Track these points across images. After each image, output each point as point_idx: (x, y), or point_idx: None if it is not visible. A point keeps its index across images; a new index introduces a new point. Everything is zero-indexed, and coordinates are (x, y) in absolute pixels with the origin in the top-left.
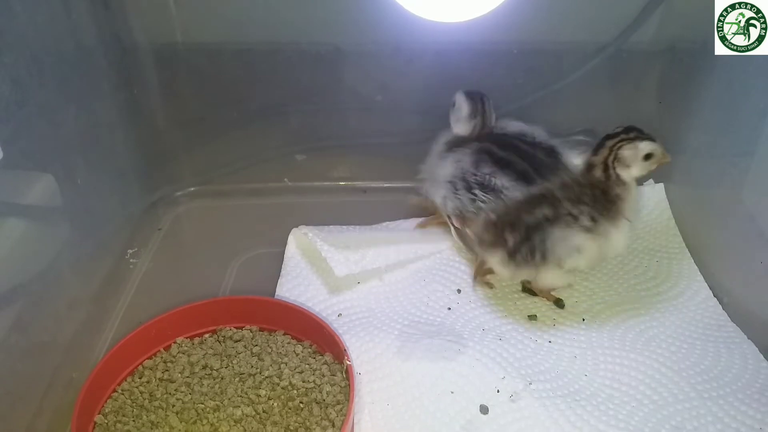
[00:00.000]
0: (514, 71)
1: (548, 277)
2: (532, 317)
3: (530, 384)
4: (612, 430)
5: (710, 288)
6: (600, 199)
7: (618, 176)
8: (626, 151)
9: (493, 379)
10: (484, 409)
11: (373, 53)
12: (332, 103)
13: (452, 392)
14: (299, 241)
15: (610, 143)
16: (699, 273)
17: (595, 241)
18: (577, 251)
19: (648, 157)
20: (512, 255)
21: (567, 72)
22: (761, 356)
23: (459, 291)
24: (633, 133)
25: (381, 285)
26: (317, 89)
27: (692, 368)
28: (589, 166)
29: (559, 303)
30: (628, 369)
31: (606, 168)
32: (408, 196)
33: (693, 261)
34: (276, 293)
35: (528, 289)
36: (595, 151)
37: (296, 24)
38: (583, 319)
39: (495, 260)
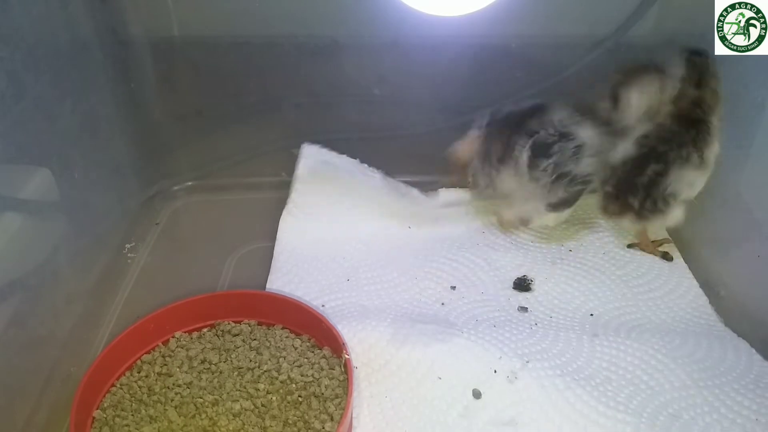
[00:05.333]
0: (512, 65)
1: (675, 216)
2: (523, 309)
3: (527, 362)
4: (612, 412)
5: (707, 281)
6: (696, 132)
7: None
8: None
9: (490, 359)
10: (480, 394)
11: (371, 47)
12: (330, 96)
13: (448, 377)
14: (290, 229)
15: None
16: (689, 271)
17: (704, 173)
18: (691, 185)
19: None
20: (640, 213)
21: (565, 66)
22: (753, 350)
23: (453, 288)
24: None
25: (372, 281)
26: (315, 83)
27: (687, 357)
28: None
29: (667, 257)
30: (624, 354)
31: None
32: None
33: (683, 259)
34: (266, 288)
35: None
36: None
37: (294, 17)
38: (577, 314)
39: (626, 223)
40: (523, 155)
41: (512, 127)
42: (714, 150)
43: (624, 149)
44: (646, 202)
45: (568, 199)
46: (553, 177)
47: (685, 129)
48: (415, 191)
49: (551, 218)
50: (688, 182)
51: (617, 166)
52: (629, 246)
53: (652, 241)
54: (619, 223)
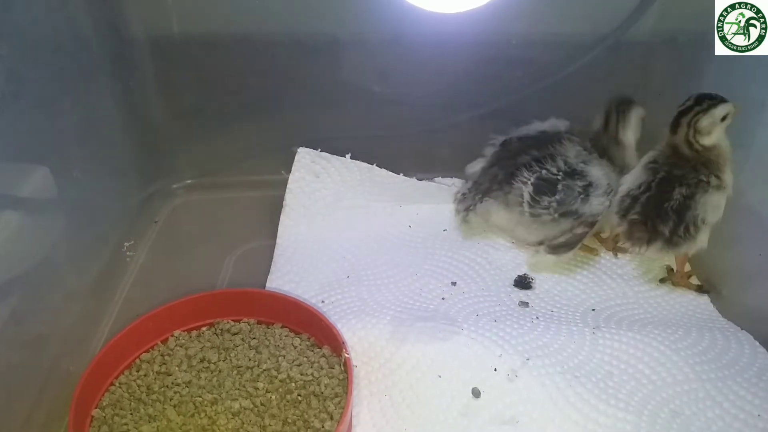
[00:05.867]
0: (513, 63)
1: (703, 241)
2: (524, 304)
3: (528, 360)
4: (612, 411)
5: (708, 280)
6: (710, 162)
7: (703, 146)
8: (704, 122)
9: (490, 357)
10: (480, 393)
11: (372, 44)
12: (330, 94)
13: (448, 376)
14: (291, 227)
15: (685, 120)
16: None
17: (724, 194)
18: (717, 208)
19: (724, 118)
20: (670, 241)
21: (566, 64)
22: (756, 342)
23: (454, 284)
24: (706, 103)
25: (371, 278)
26: (315, 80)
27: (690, 348)
28: (674, 148)
29: (702, 289)
30: (627, 346)
31: (690, 144)
32: None
33: None
34: (266, 287)
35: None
36: (674, 130)
37: (294, 14)
38: (578, 309)
39: (653, 251)
40: (524, 191)
41: (516, 156)
42: (730, 176)
43: (635, 176)
44: (679, 228)
45: (570, 243)
46: (556, 215)
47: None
48: (412, 180)
49: (551, 260)
50: (713, 206)
51: (637, 194)
52: (662, 281)
53: (683, 273)
54: (643, 253)
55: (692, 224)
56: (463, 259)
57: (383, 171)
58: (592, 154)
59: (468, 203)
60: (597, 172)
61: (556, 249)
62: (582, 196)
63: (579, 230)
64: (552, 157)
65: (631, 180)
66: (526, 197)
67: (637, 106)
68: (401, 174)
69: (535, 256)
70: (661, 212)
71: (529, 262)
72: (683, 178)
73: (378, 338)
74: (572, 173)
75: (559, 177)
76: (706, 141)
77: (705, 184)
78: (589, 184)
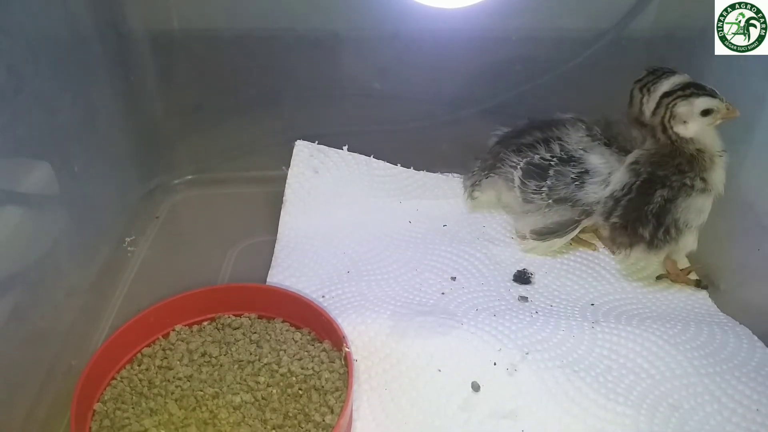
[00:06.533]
0: (513, 58)
1: (688, 244)
2: (523, 299)
3: (527, 354)
4: (611, 405)
5: (706, 275)
6: (694, 160)
7: (677, 134)
8: (681, 108)
9: (490, 351)
10: (480, 387)
11: (372, 39)
12: (330, 89)
13: (448, 370)
14: (291, 223)
15: (665, 101)
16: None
17: (709, 197)
18: (701, 212)
19: (706, 113)
20: (651, 244)
21: (565, 59)
22: (755, 337)
23: (453, 278)
24: (690, 90)
25: (372, 273)
26: (315, 76)
27: (688, 343)
28: (651, 130)
29: (700, 284)
30: (626, 341)
31: (665, 129)
32: None
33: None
34: (267, 282)
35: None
36: (654, 110)
37: (294, 10)
38: (577, 304)
39: (637, 254)
40: (515, 175)
41: (519, 136)
42: (719, 176)
43: (618, 178)
44: (659, 232)
45: (556, 230)
46: (550, 201)
47: (679, 155)
48: (410, 171)
49: (539, 246)
50: (697, 209)
51: (619, 196)
52: (658, 278)
53: (681, 270)
54: (628, 256)
55: (673, 227)
56: (462, 254)
57: (381, 162)
58: (596, 141)
59: (474, 179)
60: (596, 160)
61: (543, 235)
62: (576, 183)
63: (565, 217)
64: (547, 141)
65: (616, 180)
66: (517, 182)
67: (676, 75)
68: (398, 164)
69: (526, 243)
70: (641, 216)
71: (521, 246)
72: (666, 179)
73: (378, 333)
74: (568, 160)
75: (552, 163)
76: (681, 130)
77: (688, 188)
78: (585, 171)
